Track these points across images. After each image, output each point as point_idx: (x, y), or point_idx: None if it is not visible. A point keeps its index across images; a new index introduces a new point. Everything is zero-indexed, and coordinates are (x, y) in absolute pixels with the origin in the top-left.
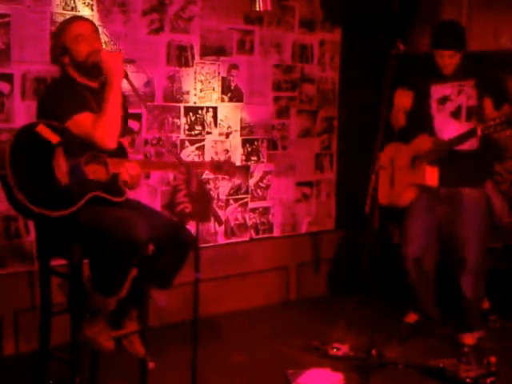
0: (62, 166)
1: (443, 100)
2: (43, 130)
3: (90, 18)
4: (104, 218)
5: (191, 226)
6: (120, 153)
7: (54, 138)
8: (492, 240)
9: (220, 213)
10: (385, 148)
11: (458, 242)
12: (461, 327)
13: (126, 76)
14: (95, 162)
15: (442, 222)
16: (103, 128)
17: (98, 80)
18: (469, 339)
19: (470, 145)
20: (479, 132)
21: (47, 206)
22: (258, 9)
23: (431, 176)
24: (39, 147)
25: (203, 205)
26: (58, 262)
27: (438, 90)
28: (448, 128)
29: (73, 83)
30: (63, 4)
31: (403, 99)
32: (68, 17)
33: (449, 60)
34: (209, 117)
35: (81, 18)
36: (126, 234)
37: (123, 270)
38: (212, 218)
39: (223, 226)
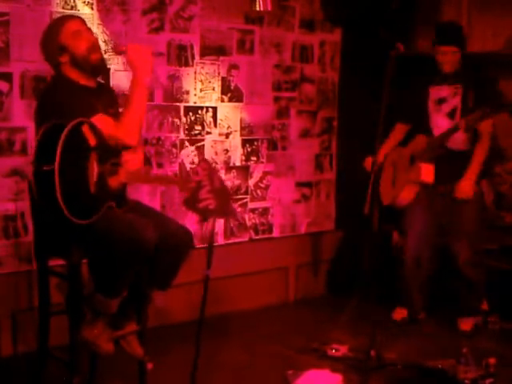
0: (93, 173)
1: (440, 101)
2: (86, 130)
3: (90, 16)
4: (111, 221)
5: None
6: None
7: (93, 141)
8: (485, 238)
9: None
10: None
11: (455, 231)
12: (459, 312)
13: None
14: (112, 170)
15: (440, 213)
16: (126, 125)
17: (95, 79)
18: (466, 325)
19: (463, 145)
20: (461, 125)
21: (74, 212)
22: (258, 9)
23: (427, 173)
24: (81, 148)
25: (225, 201)
26: (56, 262)
27: (435, 92)
28: (443, 127)
29: (73, 85)
30: (63, 3)
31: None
32: (56, 17)
33: (451, 57)
34: (208, 117)
35: (72, 16)
36: (136, 237)
37: (130, 272)
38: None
39: (222, 226)
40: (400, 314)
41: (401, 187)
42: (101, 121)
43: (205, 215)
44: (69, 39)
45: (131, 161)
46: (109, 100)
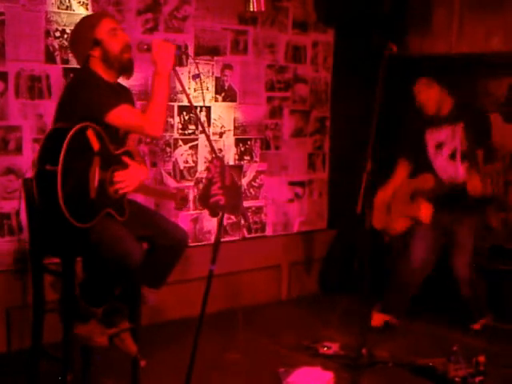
0: (95, 178)
1: (439, 145)
2: (90, 135)
3: None
4: (103, 234)
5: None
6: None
7: (96, 145)
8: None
9: None
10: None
11: (458, 241)
12: (469, 317)
13: (173, 68)
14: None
15: (447, 228)
16: (151, 116)
17: (118, 78)
18: (477, 325)
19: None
20: (476, 176)
21: (73, 215)
22: (251, 9)
23: (425, 212)
24: (84, 152)
25: (235, 198)
26: (51, 260)
27: (433, 136)
28: (448, 170)
29: (99, 79)
30: (58, 3)
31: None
32: (90, 13)
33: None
34: (202, 116)
35: (108, 14)
36: (121, 258)
37: (112, 287)
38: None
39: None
40: (378, 320)
41: (396, 218)
42: (126, 110)
43: (215, 211)
44: (105, 35)
45: (138, 172)
46: (127, 99)
